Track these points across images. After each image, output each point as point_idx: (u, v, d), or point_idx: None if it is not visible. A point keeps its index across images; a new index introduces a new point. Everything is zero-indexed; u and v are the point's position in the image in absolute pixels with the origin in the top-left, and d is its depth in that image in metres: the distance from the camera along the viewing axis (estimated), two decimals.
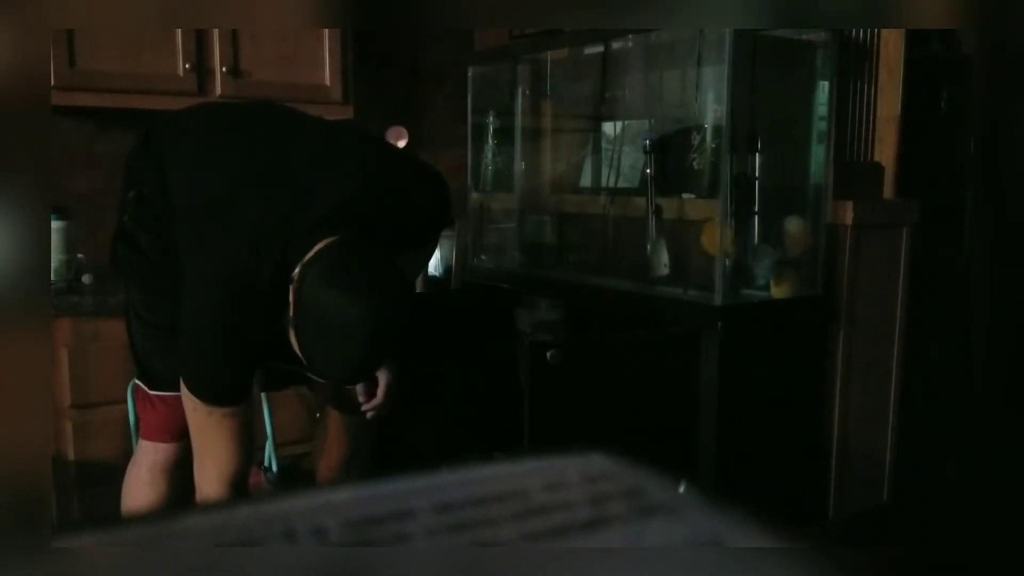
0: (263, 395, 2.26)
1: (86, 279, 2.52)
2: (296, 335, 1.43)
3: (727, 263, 2.13)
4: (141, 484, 1.76)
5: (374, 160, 1.62)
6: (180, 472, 1.74)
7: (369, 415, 1.80)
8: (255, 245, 1.45)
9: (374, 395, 1.78)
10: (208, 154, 1.60)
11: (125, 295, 1.80)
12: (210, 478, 1.54)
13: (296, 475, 2.45)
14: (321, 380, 1.61)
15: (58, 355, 2.32)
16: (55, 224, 2.43)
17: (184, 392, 1.51)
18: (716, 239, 2.11)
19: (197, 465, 1.57)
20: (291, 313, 1.43)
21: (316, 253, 1.40)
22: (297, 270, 1.41)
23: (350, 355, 1.42)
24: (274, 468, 2.42)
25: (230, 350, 1.48)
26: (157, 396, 1.74)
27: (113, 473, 2.38)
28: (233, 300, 1.46)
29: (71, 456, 2.35)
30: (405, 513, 0.33)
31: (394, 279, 1.47)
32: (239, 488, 1.55)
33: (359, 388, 1.79)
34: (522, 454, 0.39)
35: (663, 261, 2.21)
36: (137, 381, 1.80)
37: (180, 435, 1.71)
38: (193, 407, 1.51)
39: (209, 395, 1.49)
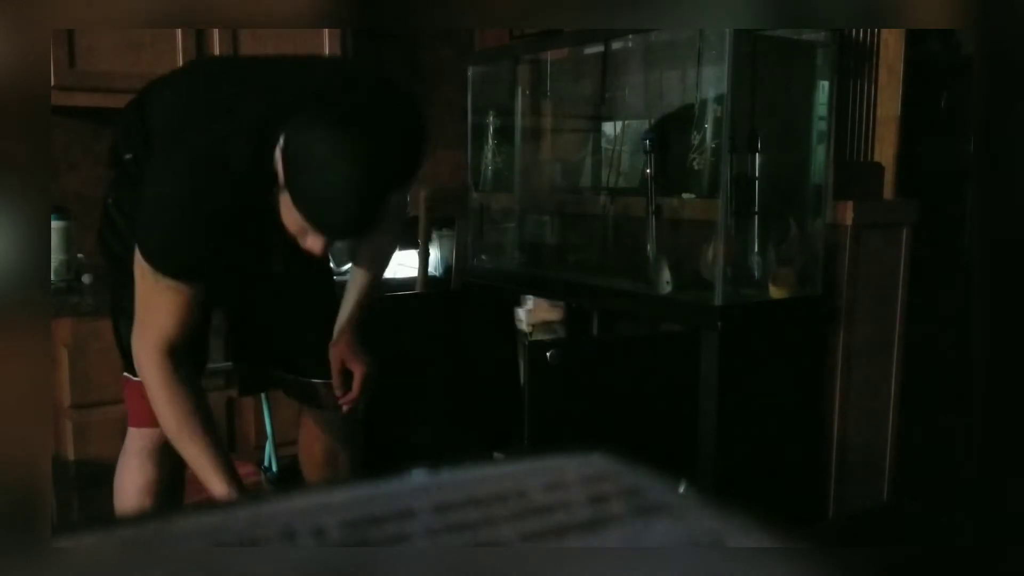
0: (263, 396, 2.26)
1: (86, 279, 2.52)
2: (292, 194, 1.38)
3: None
4: (131, 469, 1.76)
5: (350, 67, 1.58)
6: (168, 455, 1.74)
7: (345, 409, 1.80)
8: (229, 126, 1.44)
9: (350, 390, 1.77)
10: (190, 94, 1.59)
11: (110, 284, 1.78)
12: (146, 346, 1.51)
13: (296, 475, 2.45)
14: (321, 233, 1.44)
15: (58, 355, 2.32)
16: (55, 224, 2.43)
17: (136, 257, 1.48)
18: (716, 256, 2.10)
19: (135, 331, 1.53)
20: (281, 179, 1.39)
21: (297, 118, 1.38)
22: (281, 139, 1.39)
23: (351, 185, 1.35)
24: (274, 468, 2.42)
25: (190, 221, 1.44)
26: (141, 383, 1.74)
27: (113, 473, 2.38)
28: (200, 175, 1.44)
29: (71, 456, 2.35)
30: (405, 513, 0.33)
31: (389, 104, 1.46)
32: (172, 360, 1.51)
33: (334, 383, 1.78)
34: (522, 454, 0.39)
35: (665, 279, 2.20)
36: (125, 373, 1.78)
37: None
38: (141, 273, 1.48)
39: (160, 261, 1.46)
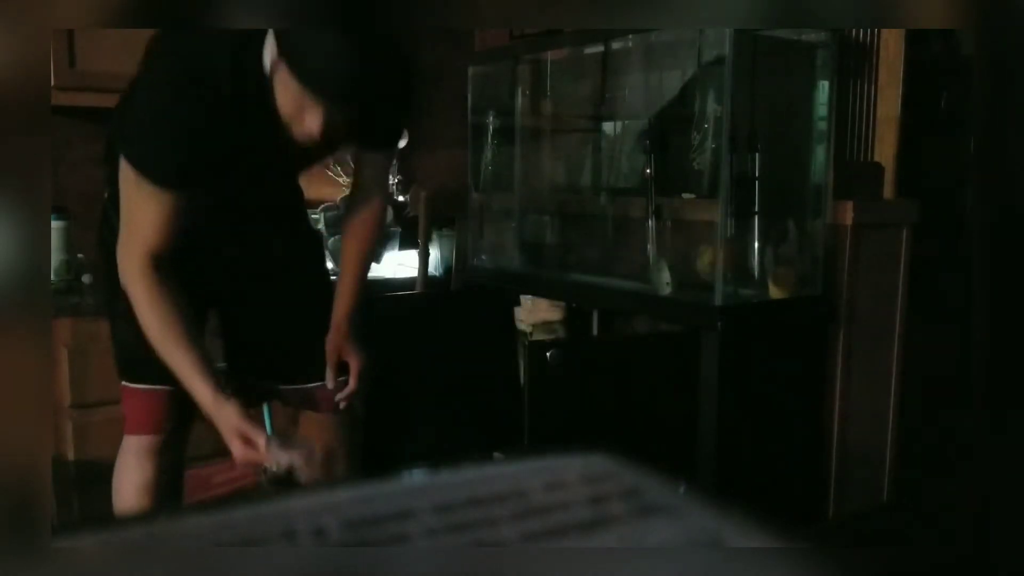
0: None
1: (86, 279, 2.52)
2: (288, 60, 1.40)
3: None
4: (129, 469, 1.76)
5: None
6: (166, 456, 1.76)
7: (343, 404, 1.80)
8: (209, 40, 1.49)
9: (345, 385, 1.78)
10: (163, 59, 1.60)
11: (107, 284, 1.76)
12: (130, 254, 1.51)
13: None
14: (319, 98, 1.42)
15: (58, 355, 2.32)
16: (55, 224, 2.43)
17: (122, 165, 1.49)
18: (712, 262, 2.10)
19: (120, 241, 1.54)
20: (274, 55, 1.42)
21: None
22: (269, 34, 1.44)
23: (349, 40, 1.39)
24: (274, 468, 2.42)
25: (172, 126, 1.46)
26: (138, 389, 1.74)
27: (113, 473, 2.38)
28: (182, 81, 1.46)
29: (71, 456, 2.35)
30: (405, 513, 0.33)
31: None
32: (156, 270, 1.51)
33: (330, 376, 1.77)
34: (522, 454, 0.39)
35: (665, 280, 2.20)
36: (123, 381, 1.79)
37: (162, 426, 1.74)
38: (126, 180, 1.49)
39: (144, 166, 1.47)
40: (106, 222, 1.71)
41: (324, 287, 1.88)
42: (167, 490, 1.77)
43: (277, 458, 1.57)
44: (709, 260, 2.14)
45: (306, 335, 1.80)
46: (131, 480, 1.75)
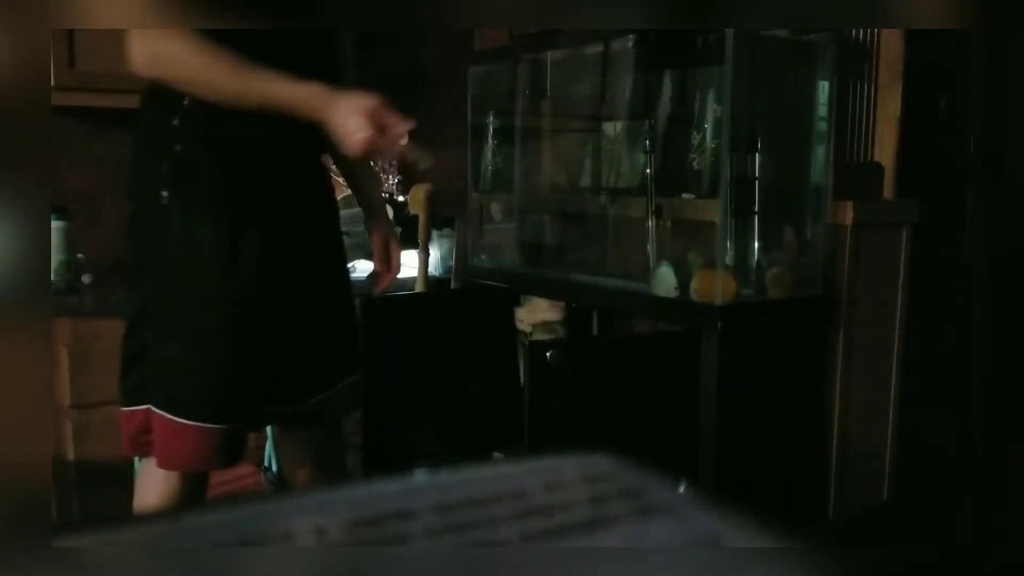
0: None
1: (86, 279, 2.52)
2: None
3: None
4: (156, 497, 1.60)
5: None
6: (201, 481, 1.64)
7: (380, 289, 1.94)
8: None
9: (388, 270, 1.90)
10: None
11: (162, 302, 1.55)
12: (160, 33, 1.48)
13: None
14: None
15: (58, 355, 2.32)
16: (55, 224, 2.44)
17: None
18: (709, 287, 2.09)
19: (135, 34, 1.50)
20: None
21: None
22: None
23: None
24: (274, 468, 2.42)
25: None
26: (188, 425, 1.53)
27: (113, 473, 2.38)
28: None
29: (71, 456, 2.35)
30: (405, 513, 0.33)
31: None
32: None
33: (377, 259, 1.89)
34: (522, 454, 0.39)
35: (673, 285, 2.19)
36: (155, 409, 1.55)
37: (211, 464, 1.58)
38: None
39: None
40: (159, 220, 1.53)
41: (348, 297, 1.82)
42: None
43: (415, 154, 1.59)
44: (703, 283, 2.12)
45: (330, 339, 1.73)
46: (156, 492, 1.61)
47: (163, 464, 1.57)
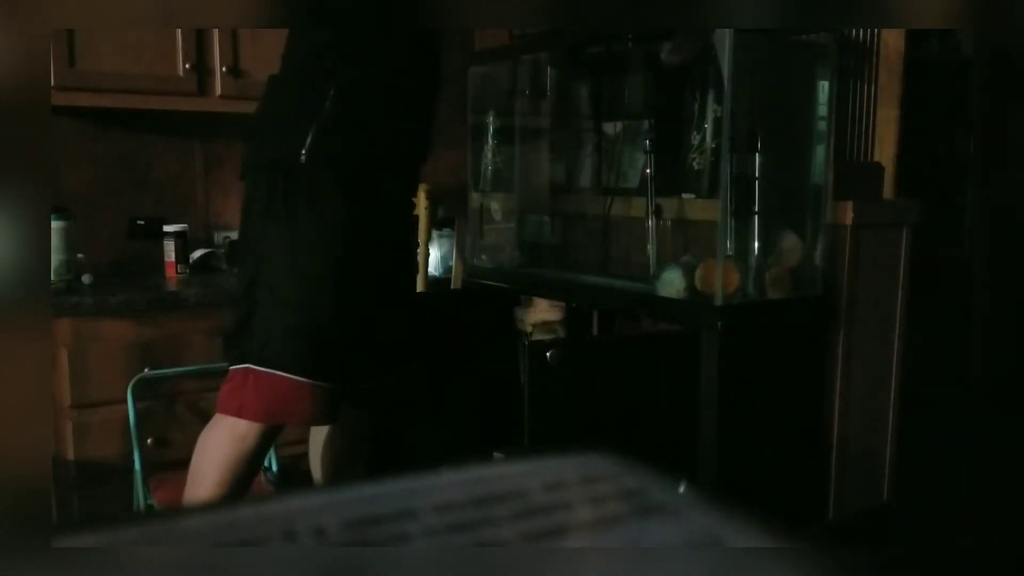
0: None
1: (86, 279, 2.52)
2: None
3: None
4: (220, 443, 1.74)
5: None
6: (258, 439, 1.75)
7: None
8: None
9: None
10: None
11: (285, 265, 1.74)
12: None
13: (296, 475, 2.45)
14: None
15: (58, 355, 2.32)
16: (55, 224, 2.44)
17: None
18: (712, 278, 2.09)
19: None
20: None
21: None
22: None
23: None
24: (274, 468, 2.43)
25: None
26: (302, 383, 1.72)
27: (113, 473, 2.38)
28: None
29: (71, 456, 2.35)
30: (405, 513, 0.33)
31: None
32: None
33: None
34: (522, 454, 0.39)
35: (682, 287, 2.19)
36: (261, 368, 1.73)
37: (314, 419, 1.80)
38: None
39: None
40: (292, 179, 1.76)
41: (415, 291, 2.16)
42: (246, 473, 1.76)
43: None
44: (706, 274, 2.13)
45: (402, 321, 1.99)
46: (230, 459, 1.73)
47: (263, 418, 1.73)
